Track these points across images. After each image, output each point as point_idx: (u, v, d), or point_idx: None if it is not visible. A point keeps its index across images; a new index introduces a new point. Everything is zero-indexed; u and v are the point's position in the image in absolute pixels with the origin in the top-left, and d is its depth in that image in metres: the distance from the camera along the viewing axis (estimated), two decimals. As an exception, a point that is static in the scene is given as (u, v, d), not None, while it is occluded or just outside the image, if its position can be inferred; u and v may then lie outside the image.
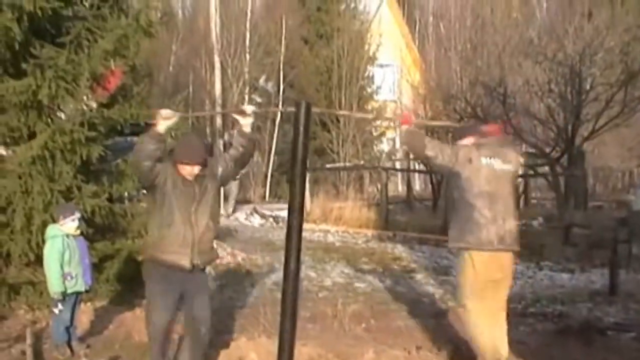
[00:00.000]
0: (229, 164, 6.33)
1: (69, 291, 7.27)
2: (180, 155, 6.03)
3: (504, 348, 6.44)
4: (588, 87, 18.76)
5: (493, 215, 6.29)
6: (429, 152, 6.47)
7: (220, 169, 6.27)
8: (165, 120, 6.02)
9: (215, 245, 6.40)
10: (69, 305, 7.31)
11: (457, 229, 6.46)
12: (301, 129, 5.37)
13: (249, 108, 6.41)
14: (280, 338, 5.37)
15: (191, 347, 6.25)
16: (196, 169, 6.04)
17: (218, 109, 30.32)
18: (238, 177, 14.88)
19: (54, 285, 7.19)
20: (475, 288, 6.36)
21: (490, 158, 6.38)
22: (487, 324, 6.39)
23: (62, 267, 7.21)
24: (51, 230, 7.37)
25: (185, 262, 5.99)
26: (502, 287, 6.51)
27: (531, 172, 22.75)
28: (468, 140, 6.61)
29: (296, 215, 5.31)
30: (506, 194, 6.43)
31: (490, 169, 6.36)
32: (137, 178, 7.96)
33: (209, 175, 6.19)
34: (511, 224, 6.41)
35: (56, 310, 7.25)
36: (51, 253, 7.23)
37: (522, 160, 7.11)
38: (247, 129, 6.31)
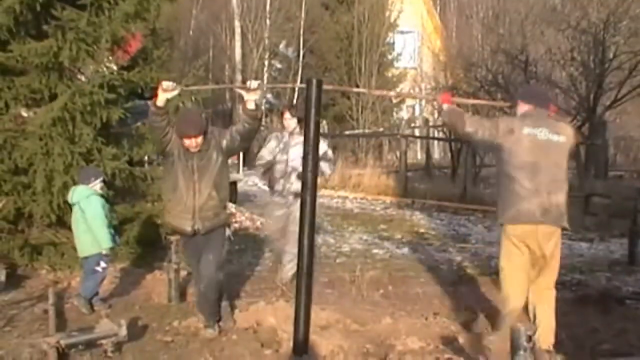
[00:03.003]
0: (235, 137, 6.40)
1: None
2: (179, 131, 6.20)
3: (547, 331, 5.93)
4: (611, 55, 18.56)
5: (535, 186, 5.92)
6: (469, 129, 6.22)
7: (225, 142, 6.37)
8: (164, 92, 6.14)
9: (222, 212, 6.56)
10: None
11: (499, 203, 6.18)
12: (312, 107, 5.42)
13: (253, 83, 6.36)
14: (296, 301, 5.39)
15: (197, 303, 6.79)
16: (195, 142, 6.19)
17: (238, 74, 30.25)
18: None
19: (106, 241, 7.28)
20: (513, 261, 6.06)
21: (534, 128, 6.01)
22: (520, 294, 6.10)
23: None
24: (84, 190, 7.35)
25: (187, 227, 6.37)
26: (547, 266, 6.10)
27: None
28: (522, 108, 6.24)
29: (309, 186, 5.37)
30: (551, 165, 6.03)
31: (532, 138, 5.99)
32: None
33: (214, 147, 6.33)
34: (558, 198, 6.00)
35: (99, 268, 7.32)
36: (99, 209, 7.29)
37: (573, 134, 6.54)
38: (250, 105, 6.29)
